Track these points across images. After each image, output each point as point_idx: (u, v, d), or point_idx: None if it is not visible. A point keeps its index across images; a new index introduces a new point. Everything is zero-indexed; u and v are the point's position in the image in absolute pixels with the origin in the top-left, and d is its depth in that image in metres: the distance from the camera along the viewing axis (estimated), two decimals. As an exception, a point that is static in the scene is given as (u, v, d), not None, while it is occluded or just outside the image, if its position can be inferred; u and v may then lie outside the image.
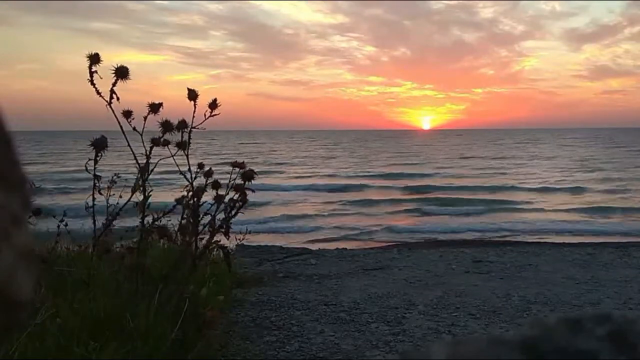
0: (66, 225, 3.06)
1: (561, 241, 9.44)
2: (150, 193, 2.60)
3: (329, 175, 27.26)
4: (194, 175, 2.73)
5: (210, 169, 2.81)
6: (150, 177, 2.60)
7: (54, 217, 3.06)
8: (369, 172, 29.04)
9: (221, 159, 26.23)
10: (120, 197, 2.66)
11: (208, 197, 2.78)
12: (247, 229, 4.59)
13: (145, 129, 2.56)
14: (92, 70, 2.34)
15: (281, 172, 29.33)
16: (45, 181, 21.78)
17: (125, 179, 2.75)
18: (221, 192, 2.75)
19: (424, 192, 20.11)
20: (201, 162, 2.82)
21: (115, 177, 2.76)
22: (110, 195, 2.66)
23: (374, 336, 3.51)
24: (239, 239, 4.52)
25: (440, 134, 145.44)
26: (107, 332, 2.30)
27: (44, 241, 3.52)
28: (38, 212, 2.57)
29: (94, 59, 2.34)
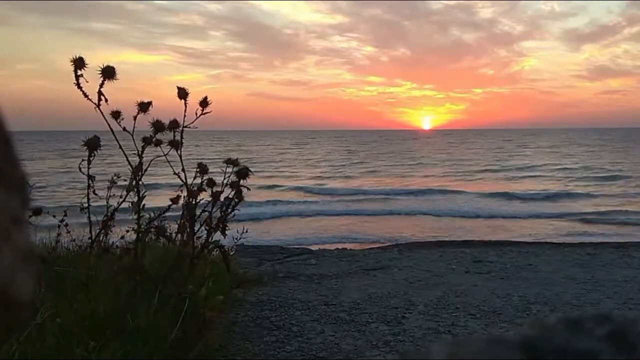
0: (66, 225, 3.06)
1: (561, 241, 9.43)
2: (145, 194, 2.60)
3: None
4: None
5: (206, 166, 2.81)
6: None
7: (54, 216, 3.07)
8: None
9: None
10: (121, 196, 2.66)
11: (206, 195, 2.78)
12: (244, 229, 4.46)
13: (145, 130, 2.56)
14: (78, 74, 2.33)
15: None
16: (46, 181, 21.80)
17: (125, 179, 2.75)
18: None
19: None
20: (200, 162, 2.82)
21: (115, 177, 2.76)
22: (111, 196, 2.66)
23: (374, 336, 3.51)
24: (236, 238, 4.43)
25: (446, 134, 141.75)
26: (107, 332, 2.30)
27: (44, 241, 3.52)
28: (38, 211, 2.57)
29: (79, 63, 2.33)
